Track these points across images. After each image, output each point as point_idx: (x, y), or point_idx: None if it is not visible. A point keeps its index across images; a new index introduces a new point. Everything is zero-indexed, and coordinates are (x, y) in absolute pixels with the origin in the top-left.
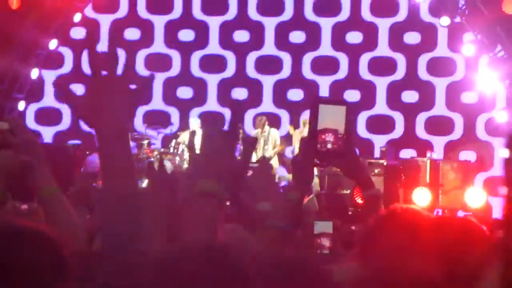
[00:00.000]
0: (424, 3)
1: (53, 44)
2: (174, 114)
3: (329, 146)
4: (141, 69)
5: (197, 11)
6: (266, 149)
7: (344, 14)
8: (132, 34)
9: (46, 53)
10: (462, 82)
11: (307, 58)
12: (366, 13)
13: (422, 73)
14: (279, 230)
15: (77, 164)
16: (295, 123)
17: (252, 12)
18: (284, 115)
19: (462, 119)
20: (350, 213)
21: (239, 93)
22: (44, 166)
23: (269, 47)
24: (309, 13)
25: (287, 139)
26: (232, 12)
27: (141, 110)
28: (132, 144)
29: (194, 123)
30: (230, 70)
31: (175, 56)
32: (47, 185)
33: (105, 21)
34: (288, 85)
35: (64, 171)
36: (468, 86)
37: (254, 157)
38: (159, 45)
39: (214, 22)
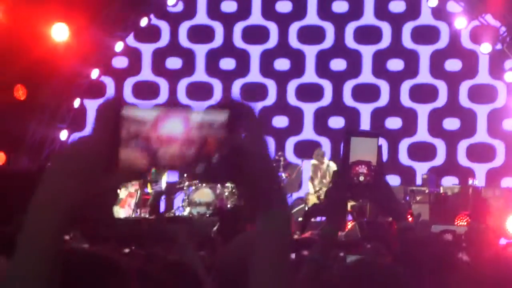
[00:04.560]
0: (465, 30)
1: (95, 73)
2: None
3: (361, 178)
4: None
5: (237, 40)
6: (324, 182)
7: (385, 41)
8: (173, 63)
9: (88, 83)
10: (504, 109)
11: (348, 86)
12: (407, 41)
13: (464, 100)
14: (315, 263)
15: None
16: (333, 152)
17: (293, 41)
18: (326, 143)
19: (504, 146)
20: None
21: (280, 121)
22: None
23: (310, 75)
24: (349, 41)
25: None
26: (273, 40)
27: None
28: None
29: None
30: (271, 98)
31: (216, 84)
32: None
33: (146, 50)
34: (329, 112)
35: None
36: (510, 113)
37: (311, 188)
38: (200, 74)
39: (254, 51)
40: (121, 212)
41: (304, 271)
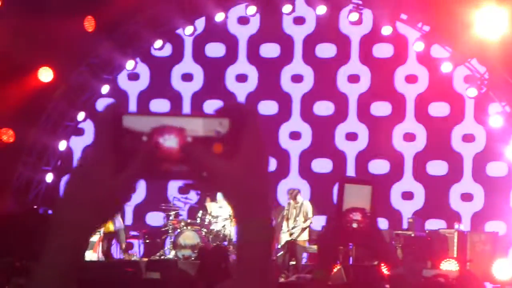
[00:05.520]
0: (451, 74)
1: (81, 116)
2: None
3: (355, 225)
4: None
5: (225, 82)
6: (297, 220)
7: (369, 85)
8: (160, 105)
9: (74, 125)
10: (487, 153)
11: (334, 129)
12: (394, 85)
13: (451, 143)
14: None
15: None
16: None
17: (281, 83)
18: (305, 186)
19: (486, 190)
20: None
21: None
22: None
23: (295, 119)
24: (340, 84)
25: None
26: (254, 82)
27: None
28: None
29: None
30: None
31: None
32: None
33: (132, 92)
34: (313, 155)
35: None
36: (493, 156)
37: (285, 227)
38: None
39: (241, 92)
40: (93, 257)
41: None
